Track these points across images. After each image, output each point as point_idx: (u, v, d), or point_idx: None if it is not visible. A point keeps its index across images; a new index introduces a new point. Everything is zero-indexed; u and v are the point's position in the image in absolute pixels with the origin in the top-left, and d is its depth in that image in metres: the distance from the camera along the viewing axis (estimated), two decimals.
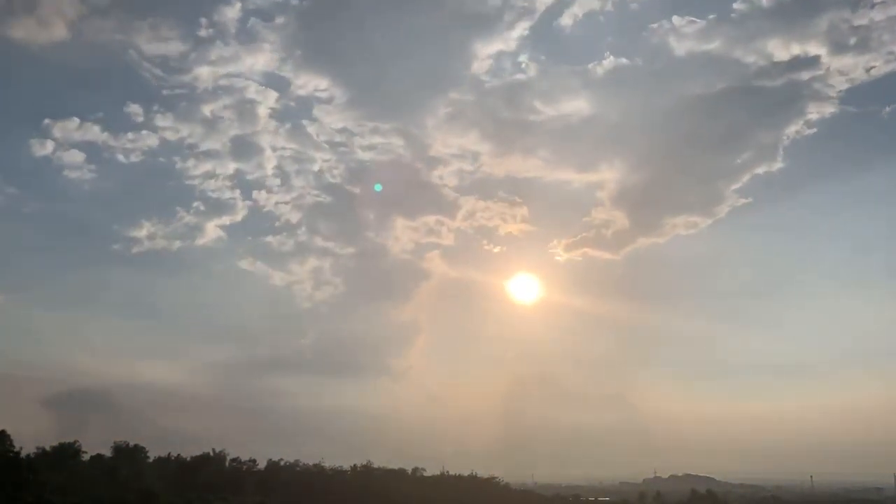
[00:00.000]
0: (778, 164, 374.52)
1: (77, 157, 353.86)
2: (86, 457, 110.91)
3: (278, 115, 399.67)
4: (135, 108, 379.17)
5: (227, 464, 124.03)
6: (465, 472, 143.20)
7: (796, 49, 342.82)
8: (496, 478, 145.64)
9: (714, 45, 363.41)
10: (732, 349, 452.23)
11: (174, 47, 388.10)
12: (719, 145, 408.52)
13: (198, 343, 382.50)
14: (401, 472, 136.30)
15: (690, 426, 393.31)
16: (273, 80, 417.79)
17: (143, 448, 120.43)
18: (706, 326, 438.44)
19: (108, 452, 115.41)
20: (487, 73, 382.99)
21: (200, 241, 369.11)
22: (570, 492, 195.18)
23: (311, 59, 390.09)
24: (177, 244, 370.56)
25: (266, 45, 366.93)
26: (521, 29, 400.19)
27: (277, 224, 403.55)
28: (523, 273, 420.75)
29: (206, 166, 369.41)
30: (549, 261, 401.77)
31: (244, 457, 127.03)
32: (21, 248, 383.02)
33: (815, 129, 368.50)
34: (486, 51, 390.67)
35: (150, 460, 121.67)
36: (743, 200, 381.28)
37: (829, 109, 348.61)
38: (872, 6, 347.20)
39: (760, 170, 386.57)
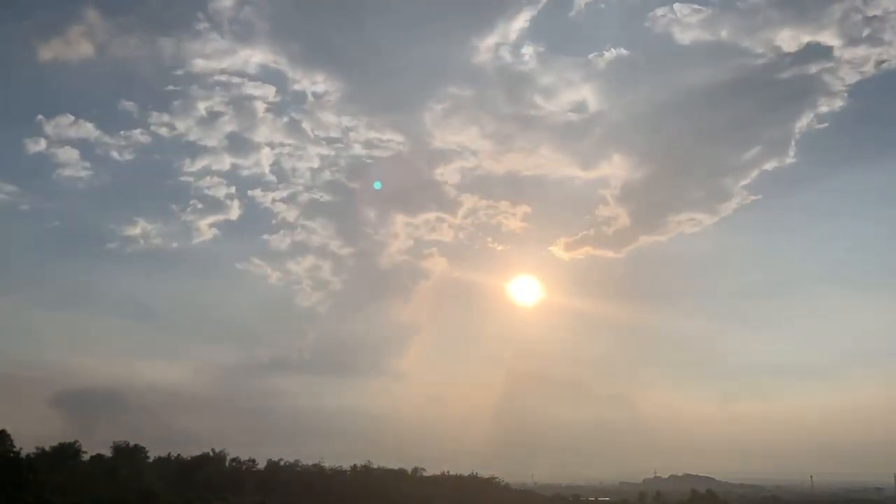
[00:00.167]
0: (789, 160, 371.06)
1: (71, 154, 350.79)
2: (86, 457, 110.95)
3: (275, 110, 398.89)
4: (130, 105, 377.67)
5: (227, 464, 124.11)
6: (465, 472, 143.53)
7: (807, 39, 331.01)
8: (496, 478, 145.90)
9: (721, 35, 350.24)
10: (733, 349, 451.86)
11: (169, 42, 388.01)
12: (727, 140, 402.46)
13: (195, 343, 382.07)
14: (401, 472, 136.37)
15: (690, 426, 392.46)
16: (269, 75, 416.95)
17: (143, 448, 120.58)
18: (707, 326, 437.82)
19: (108, 452, 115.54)
20: (488, 65, 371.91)
21: (197, 240, 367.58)
22: (570, 492, 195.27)
23: (308, 53, 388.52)
24: (174, 243, 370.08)
25: (262, 39, 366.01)
26: (523, 20, 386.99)
27: (275, 222, 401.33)
28: (524, 272, 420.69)
29: (203, 163, 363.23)
30: (551, 259, 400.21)
31: (244, 457, 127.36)
32: (18, 247, 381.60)
33: (826, 124, 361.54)
34: (486, 43, 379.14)
35: (150, 460, 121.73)
36: (752, 197, 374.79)
37: (838, 103, 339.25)
38: None
39: (769, 165, 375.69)
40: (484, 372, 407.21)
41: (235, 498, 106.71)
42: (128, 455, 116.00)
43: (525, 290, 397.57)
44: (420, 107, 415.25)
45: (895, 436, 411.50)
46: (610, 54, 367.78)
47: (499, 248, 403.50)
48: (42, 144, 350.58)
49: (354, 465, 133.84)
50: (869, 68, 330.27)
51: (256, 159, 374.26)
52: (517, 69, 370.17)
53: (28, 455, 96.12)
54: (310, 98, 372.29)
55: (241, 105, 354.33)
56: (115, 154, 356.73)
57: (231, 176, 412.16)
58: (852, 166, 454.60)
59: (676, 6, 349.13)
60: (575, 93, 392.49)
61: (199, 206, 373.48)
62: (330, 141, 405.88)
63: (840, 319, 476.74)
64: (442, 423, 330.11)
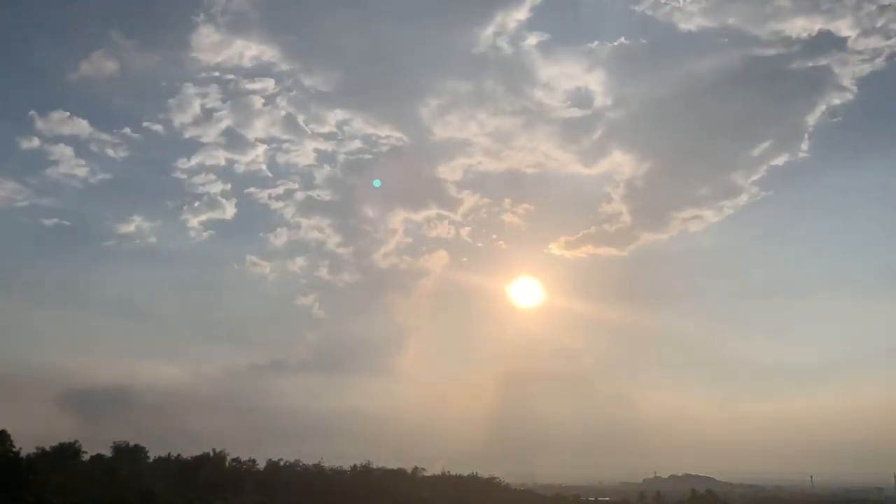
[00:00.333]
0: (801, 154, 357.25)
1: (65, 151, 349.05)
2: (86, 457, 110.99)
3: (272, 105, 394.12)
4: (125, 101, 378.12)
5: (227, 464, 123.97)
6: (465, 472, 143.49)
7: (819, 28, 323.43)
8: (496, 478, 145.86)
9: (728, 23, 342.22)
10: (733, 349, 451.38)
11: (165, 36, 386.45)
12: (735, 133, 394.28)
13: (193, 342, 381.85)
14: (401, 472, 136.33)
15: (690, 426, 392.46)
16: (265, 70, 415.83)
17: (143, 448, 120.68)
18: (707, 327, 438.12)
19: (107, 452, 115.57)
20: (489, 57, 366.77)
21: (194, 238, 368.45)
22: (570, 492, 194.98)
23: (304, 46, 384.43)
24: (170, 240, 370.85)
25: (257, 31, 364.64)
26: (525, 11, 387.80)
27: (272, 219, 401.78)
28: (525, 270, 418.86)
29: (198, 159, 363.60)
30: (552, 258, 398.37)
31: (244, 457, 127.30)
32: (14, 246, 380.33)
33: (839, 118, 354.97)
34: (486, 33, 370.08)
35: (150, 460, 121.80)
36: (762, 193, 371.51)
37: (851, 95, 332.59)
38: None
39: (780, 160, 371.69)
40: (483, 371, 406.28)
41: (235, 498, 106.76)
42: (128, 455, 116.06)
43: (526, 288, 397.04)
44: (419, 102, 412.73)
45: (895, 436, 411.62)
46: (613, 44, 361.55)
47: (499, 246, 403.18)
48: (35, 142, 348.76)
49: (354, 465, 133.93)
50: (881, 60, 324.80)
51: (253, 155, 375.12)
52: (518, 61, 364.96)
53: (28, 455, 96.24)
54: (306, 92, 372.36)
55: (237, 100, 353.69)
56: (110, 151, 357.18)
57: (227, 173, 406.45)
58: (867, 161, 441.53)
59: None
60: (577, 86, 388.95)
61: (196, 203, 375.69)
62: (327, 136, 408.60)
63: (841, 320, 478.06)
64: (442, 423, 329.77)
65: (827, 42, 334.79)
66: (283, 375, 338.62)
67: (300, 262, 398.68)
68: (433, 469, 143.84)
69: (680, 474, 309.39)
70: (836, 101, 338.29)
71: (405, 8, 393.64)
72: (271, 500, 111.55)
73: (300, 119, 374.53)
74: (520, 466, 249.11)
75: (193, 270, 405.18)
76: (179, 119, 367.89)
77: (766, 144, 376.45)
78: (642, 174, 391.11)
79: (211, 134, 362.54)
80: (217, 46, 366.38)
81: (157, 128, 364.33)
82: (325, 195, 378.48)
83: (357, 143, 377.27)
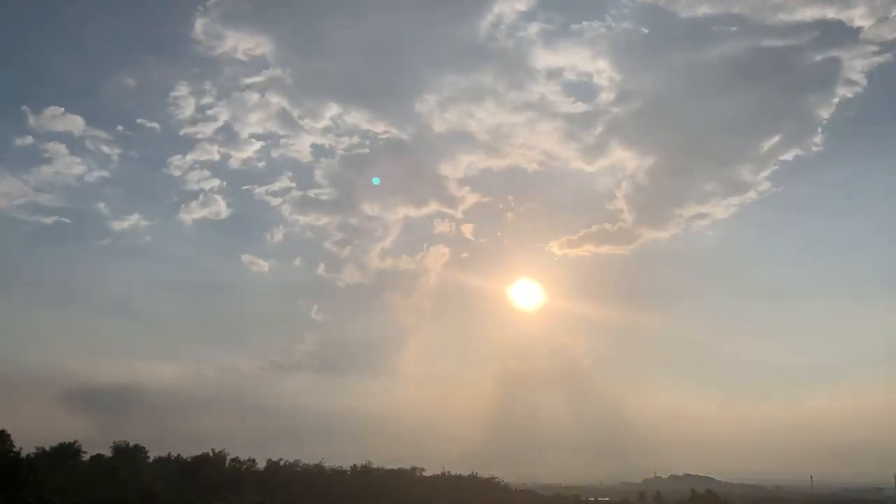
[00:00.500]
0: (814, 149, 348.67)
1: (59, 148, 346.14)
2: (86, 457, 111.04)
3: (268, 101, 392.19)
4: (120, 97, 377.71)
5: (227, 464, 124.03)
6: (465, 472, 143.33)
7: (832, 17, 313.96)
8: (496, 478, 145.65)
9: (735, 11, 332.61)
10: (734, 350, 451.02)
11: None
12: (744, 127, 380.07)
13: (192, 341, 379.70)
14: (401, 472, 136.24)
15: (690, 426, 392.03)
16: (261, 64, 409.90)
17: (143, 448, 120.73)
18: (708, 326, 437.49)
19: (108, 452, 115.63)
20: (489, 49, 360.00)
21: (193, 236, 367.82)
22: (570, 492, 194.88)
23: (301, 39, 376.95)
24: (168, 239, 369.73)
25: (253, 26, 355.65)
26: (525, 1, 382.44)
27: (270, 217, 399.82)
28: (526, 268, 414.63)
29: (194, 156, 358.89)
30: (553, 256, 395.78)
31: (244, 457, 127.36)
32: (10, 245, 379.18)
33: (852, 111, 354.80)
34: (485, 23, 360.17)
35: (150, 460, 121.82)
36: (771, 190, 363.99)
37: (862, 88, 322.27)
38: None
39: (789, 155, 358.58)
40: (483, 370, 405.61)
41: (235, 498, 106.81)
42: (128, 455, 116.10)
43: (526, 287, 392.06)
44: (417, 96, 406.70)
45: (895, 436, 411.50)
46: (616, 36, 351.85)
47: (500, 244, 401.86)
48: (29, 139, 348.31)
49: (354, 465, 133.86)
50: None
51: (249, 151, 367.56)
52: (518, 53, 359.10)
53: (28, 455, 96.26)
54: (302, 87, 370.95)
55: (233, 95, 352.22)
56: (104, 148, 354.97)
57: (224, 170, 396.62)
58: (880, 157, 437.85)
59: None
60: (579, 79, 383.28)
61: (192, 201, 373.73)
62: (324, 132, 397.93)
63: (842, 320, 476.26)
64: (442, 423, 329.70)
65: (839, 32, 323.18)
66: (282, 375, 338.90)
67: (298, 260, 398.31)
68: (433, 469, 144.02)
69: (680, 474, 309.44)
70: (848, 94, 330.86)
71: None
72: (271, 500, 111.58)
73: (296, 115, 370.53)
74: (520, 466, 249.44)
75: (192, 269, 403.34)
76: (175, 115, 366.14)
77: (775, 139, 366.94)
78: (646, 170, 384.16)
79: (207, 130, 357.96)
80: (212, 40, 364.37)
81: (153, 125, 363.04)
82: (322, 192, 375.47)
83: (355, 139, 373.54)
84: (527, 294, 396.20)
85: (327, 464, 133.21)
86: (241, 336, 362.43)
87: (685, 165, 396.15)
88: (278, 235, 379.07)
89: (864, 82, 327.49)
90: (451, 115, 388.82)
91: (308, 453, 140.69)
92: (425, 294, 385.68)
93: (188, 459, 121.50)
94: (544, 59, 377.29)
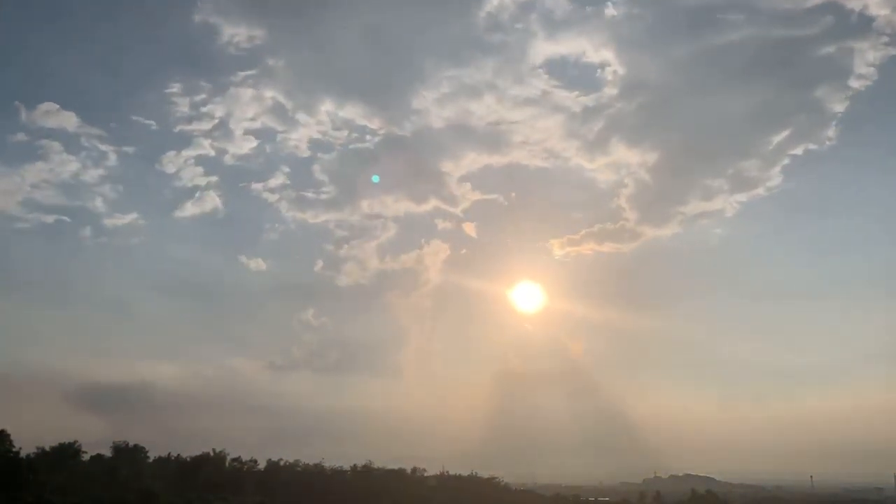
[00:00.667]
0: (828, 143, 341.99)
1: (54, 144, 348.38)
2: (86, 457, 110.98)
3: (263, 96, 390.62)
4: (114, 94, 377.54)
5: (227, 464, 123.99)
6: (465, 472, 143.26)
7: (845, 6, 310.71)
8: (496, 478, 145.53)
9: None
10: (734, 350, 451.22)
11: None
12: (752, 121, 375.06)
13: (190, 341, 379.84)
14: (401, 472, 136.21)
15: (690, 426, 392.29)
16: (259, 60, 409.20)
17: (143, 448, 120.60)
18: (709, 327, 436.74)
19: (107, 452, 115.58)
20: (488, 41, 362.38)
21: (188, 234, 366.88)
22: (570, 492, 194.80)
23: (297, 34, 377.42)
24: (166, 237, 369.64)
25: (249, 19, 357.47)
26: None
27: (268, 214, 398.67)
28: (526, 267, 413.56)
29: (191, 152, 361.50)
30: (554, 255, 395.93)
31: (244, 457, 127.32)
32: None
33: (864, 105, 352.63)
34: (483, 13, 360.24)
35: (150, 460, 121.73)
36: (779, 186, 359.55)
37: (867, 82, 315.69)
38: None
39: (799, 150, 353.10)
40: (483, 370, 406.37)
41: (235, 498, 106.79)
42: (128, 455, 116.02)
43: (527, 286, 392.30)
44: (416, 92, 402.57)
45: (895, 436, 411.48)
46: (618, 27, 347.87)
47: (501, 242, 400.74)
48: (21, 136, 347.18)
49: (354, 465, 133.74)
50: None
51: (245, 148, 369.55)
52: (519, 45, 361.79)
53: (28, 455, 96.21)
54: (298, 82, 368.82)
55: (228, 91, 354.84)
56: (99, 145, 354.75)
57: (221, 167, 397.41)
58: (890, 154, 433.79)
59: None
60: (581, 73, 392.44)
61: (189, 199, 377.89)
62: (321, 127, 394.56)
63: (843, 320, 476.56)
64: (442, 423, 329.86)
65: (852, 22, 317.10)
66: (282, 375, 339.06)
67: (298, 258, 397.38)
68: (433, 469, 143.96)
69: (680, 474, 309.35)
70: (861, 86, 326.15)
71: None
72: (271, 500, 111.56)
73: (292, 110, 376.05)
74: (520, 466, 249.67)
75: (191, 267, 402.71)
76: (171, 111, 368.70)
77: (785, 133, 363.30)
78: (649, 167, 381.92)
79: (203, 126, 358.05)
80: (207, 33, 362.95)
81: (150, 121, 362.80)
82: (320, 189, 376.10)
83: (353, 134, 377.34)
84: (527, 293, 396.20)
85: (327, 464, 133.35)
86: (241, 336, 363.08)
87: (690, 161, 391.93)
88: (277, 233, 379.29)
89: (876, 75, 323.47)
90: (449, 112, 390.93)
91: (308, 453, 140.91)
92: (425, 293, 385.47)
93: (188, 459, 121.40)
94: (545, 50, 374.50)
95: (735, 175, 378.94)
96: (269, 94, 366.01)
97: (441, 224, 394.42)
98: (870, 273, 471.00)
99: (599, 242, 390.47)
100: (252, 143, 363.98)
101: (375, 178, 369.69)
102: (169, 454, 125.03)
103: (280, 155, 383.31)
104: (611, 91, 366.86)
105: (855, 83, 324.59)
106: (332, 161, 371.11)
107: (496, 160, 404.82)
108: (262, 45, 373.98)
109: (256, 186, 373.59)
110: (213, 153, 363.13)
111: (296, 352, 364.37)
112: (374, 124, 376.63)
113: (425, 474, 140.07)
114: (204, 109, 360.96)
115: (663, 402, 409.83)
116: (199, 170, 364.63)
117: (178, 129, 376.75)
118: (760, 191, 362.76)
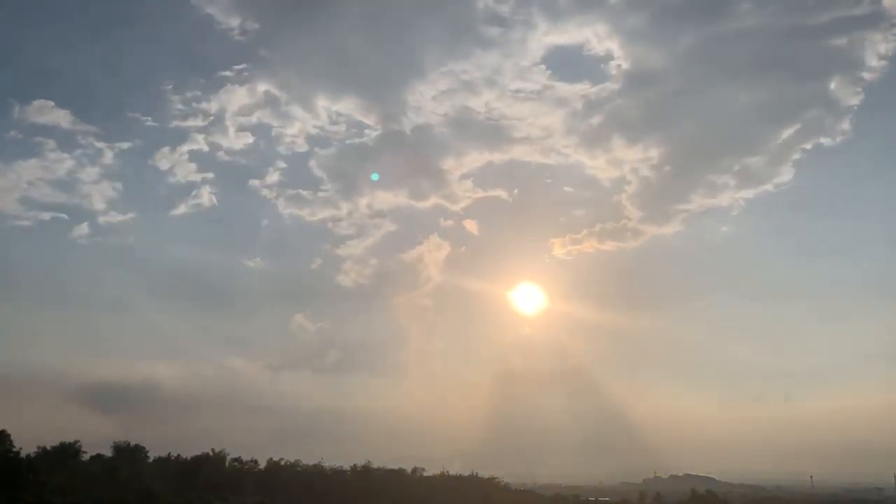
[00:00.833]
0: (839, 138, 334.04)
1: (48, 142, 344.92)
2: (86, 457, 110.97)
3: (258, 90, 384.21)
4: (109, 91, 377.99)
5: (227, 464, 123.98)
6: (465, 472, 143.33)
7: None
8: (496, 478, 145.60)
9: None
10: (735, 350, 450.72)
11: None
12: (759, 116, 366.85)
13: (191, 340, 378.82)
14: (401, 472, 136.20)
15: (690, 426, 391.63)
16: (256, 57, 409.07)
17: (143, 448, 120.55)
18: (709, 327, 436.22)
19: (108, 452, 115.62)
20: (487, 36, 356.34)
21: (186, 232, 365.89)
22: (570, 492, 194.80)
23: (295, 30, 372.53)
24: (164, 236, 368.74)
25: (244, 14, 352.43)
26: None
27: (266, 211, 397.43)
28: (527, 266, 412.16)
29: (186, 148, 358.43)
30: (554, 254, 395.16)
31: (244, 457, 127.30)
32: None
33: (875, 98, 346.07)
34: (481, 5, 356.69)
35: (150, 460, 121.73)
36: (785, 184, 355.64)
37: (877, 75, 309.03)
38: None
39: (808, 145, 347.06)
40: (483, 369, 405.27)
41: (235, 498, 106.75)
42: (128, 455, 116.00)
43: (527, 286, 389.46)
44: (412, 88, 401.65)
45: (895, 435, 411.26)
46: (621, 18, 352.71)
47: (502, 240, 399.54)
48: (14, 133, 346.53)
49: (354, 465, 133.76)
50: None
51: (242, 144, 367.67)
52: (519, 39, 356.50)
53: (28, 455, 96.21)
54: (293, 77, 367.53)
55: (223, 86, 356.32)
56: (95, 143, 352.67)
57: (218, 164, 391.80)
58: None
59: None
60: (582, 67, 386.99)
61: (186, 196, 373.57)
62: (318, 123, 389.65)
63: (844, 320, 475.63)
64: (442, 423, 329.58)
65: (868, 10, 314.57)
66: (281, 375, 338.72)
67: (295, 257, 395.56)
68: (433, 469, 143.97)
69: (680, 474, 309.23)
70: (872, 79, 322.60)
71: None
72: (271, 500, 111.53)
73: (289, 106, 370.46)
74: (520, 466, 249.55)
75: (189, 267, 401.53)
76: (167, 108, 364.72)
77: (793, 128, 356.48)
78: (652, 163, 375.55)
79: (198, 123, 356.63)
80: (201, 27, 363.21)
81: (147, 120, 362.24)
82: (318, 185, 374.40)
83: (351, 130, 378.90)
84: (528, 293, 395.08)
85: (327, 464, 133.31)
86: (240, 335, 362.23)
87: (694, 157, 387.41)
88: (275, 231, 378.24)
89: (888, 67, 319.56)
90: (447, 106, 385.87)
91: (308, 453, 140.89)
92: (426, 291, 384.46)
93: (188, 459, 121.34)
94: (546, 42, 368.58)
95: (742, 171, 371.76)
96: (262, 87, 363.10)
97: (442, 222, 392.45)
98: (878, 272, 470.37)
99: (601, 241, 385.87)
100: (248, 139, 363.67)
101: (374, 176, 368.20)
102: (169, 454, 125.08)
103: (275, 150, 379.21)
104: (613, 85, 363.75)
105: (867, 75, 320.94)
106: (329, 157, 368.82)
107: (497, 157, 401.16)
108: (255, 37, 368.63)
109: (254, 183, 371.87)
110: (206, 148, 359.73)
111: (295, 351, 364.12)
112: (371, 120, 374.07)
113: (425, 474, 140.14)
114: (198, 105, 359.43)
115: (663, 402, 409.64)
116: (191, 166, 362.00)
117: (173, 124, 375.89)
118: (769, 187, 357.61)
